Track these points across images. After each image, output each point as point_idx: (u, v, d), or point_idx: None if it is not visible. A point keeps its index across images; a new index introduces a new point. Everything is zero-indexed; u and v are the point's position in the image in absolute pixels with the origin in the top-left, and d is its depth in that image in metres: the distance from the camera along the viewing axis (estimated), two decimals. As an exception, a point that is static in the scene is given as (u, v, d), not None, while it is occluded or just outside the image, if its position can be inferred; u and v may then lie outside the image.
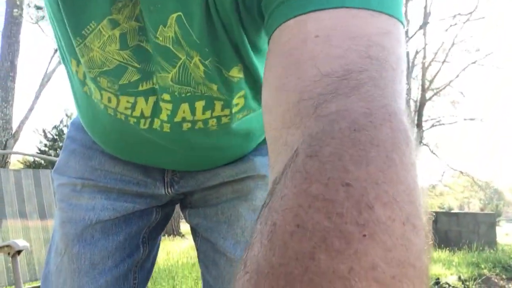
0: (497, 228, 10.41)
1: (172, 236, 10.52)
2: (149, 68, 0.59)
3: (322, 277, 0.21)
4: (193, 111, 0.62)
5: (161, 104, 0.62)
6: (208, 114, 0.63)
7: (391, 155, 0.27)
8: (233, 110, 0.64)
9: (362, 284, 0.21)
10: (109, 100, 0.63)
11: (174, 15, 0.51)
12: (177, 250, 7.12)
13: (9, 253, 1.87)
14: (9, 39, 7.90)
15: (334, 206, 0.24)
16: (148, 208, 0.82)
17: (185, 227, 15.64)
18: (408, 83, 13.77)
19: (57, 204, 0.81)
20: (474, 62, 17.90)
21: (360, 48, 0.33)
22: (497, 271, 5.76)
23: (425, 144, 19.96)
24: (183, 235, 11.64)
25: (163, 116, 0.63)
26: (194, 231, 0.87)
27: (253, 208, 0.79)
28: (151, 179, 0.80)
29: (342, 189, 0.24)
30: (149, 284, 3.44)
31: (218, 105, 0.63)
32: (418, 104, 18.66)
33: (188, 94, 0.60)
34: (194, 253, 6.28)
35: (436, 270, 5.65)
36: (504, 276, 5.44)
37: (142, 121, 0.64)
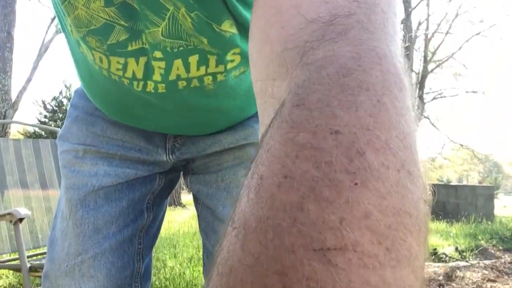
0: (495, 200, 10.51)
1: (173, 206, 10.63)
2: (137, 26, 0.57)
3: (312, 228, 0.20)
4: (187, 67, 0.61)
5: (153, 63, 0.60)
6: (202, 70, 0.62)
7: (382, 99, 0.25)
8: (228, 67, 0.63)
9: (355, 234, 0.20)
10: (101, 61, 0.62)
11: None
12: (178, 220, 7.21)
13: (11, 221, 1.88)
14: (4, 9, 7.76)
15: (322, 155, 0.22)
16: (151, 174, 0.82)
17: (185, 197, 15.78)
18: (410, 55, 13.61)
19: (61, 170, 0.82)
20: (477, 34, 17.64)
21: None
22: (494, 242, 5.84)
23: (426, 117, 19.92)
24: (184, 206, 11.77)
25: (156, 76, 0.62)
26: (196, 198, 0.87)
27: None
28: (152, 145, 0.79)
29: (330, 136, 0.23)
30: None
31: (212, 60, 0.61)
32: (420, 76, 18.51)
33: (180, 49, 0.58)
34: (194, 223, 6.37)
35: (434, 241, 5.73)
36: (500, 247, 5.52)
37: (135, 83, 0.63)
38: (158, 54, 0.59)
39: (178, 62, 0.60)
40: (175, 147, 0.80)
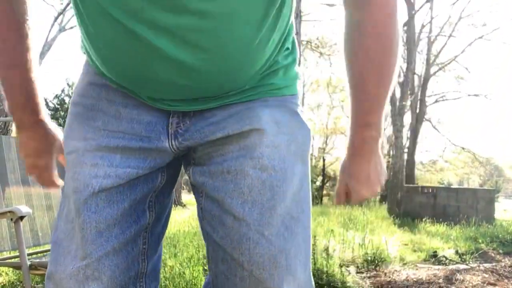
0: (496, 204, 10.49)
1: (173, 206, 10.62)
2: None
3: None
4: None
5: None
6: None
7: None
8: None
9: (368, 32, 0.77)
10: None
11: None
12: (178, 220, 7.20)
13: (11, 219, 1.89)
14: (8, 6, 7.78)
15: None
16: (152, 172, 0.82)
17: (185, 197, 15.75)
18: (413, 57, 13.59)
19: (65, 174, 0.82)
20: (480, 37, 17.62)
21: None
22: (494, 245, 5.83)
23: (427, 120, 19.88)
24: (184, 205, 11.76)
25: None
26: (198, 190, 0.84)
27: (260, 166, 0.76)
28: (155, 133, 0.79)
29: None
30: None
31: None
32: (422, 79, 18.48)
33: None
34: (194, 223, 6.37)
35: (434, 243, 5.72)
36: (501, 251, 5.51)
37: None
38: None
39: None
40: (177, 133, 0.79)
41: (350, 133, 0.86)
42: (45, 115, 0.91)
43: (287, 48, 0.83)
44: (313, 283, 0.83)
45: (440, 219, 8.37)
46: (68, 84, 23.83)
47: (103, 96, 0.81)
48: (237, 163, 0.77)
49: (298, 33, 3.08)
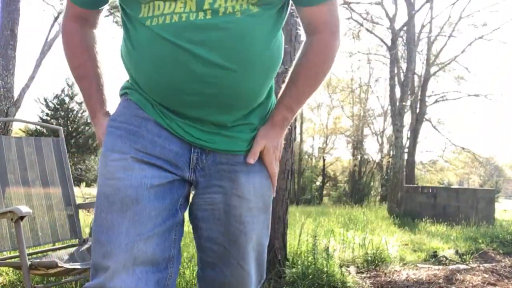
0: (496, 204, 10.48)
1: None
2: None
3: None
4: None
5: None
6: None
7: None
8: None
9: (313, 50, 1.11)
10: (169, 6, 0.95)
11: None
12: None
13: (12, 219, 1.89)
14: (8, 7, 7.74)
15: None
16: (182, 179, 1.08)
17: (186, 198, 15.66)
18: (413, 57, 13.58)
19: (111, 175, 1.02)
20: (480, 37, 17.61)
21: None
22: (494, 245, 5.83)
23: (427, 120, 19.88)
24: (184, 206, 11.77)
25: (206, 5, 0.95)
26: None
27: (239, 220, 1.11)
28: (181, 163, 1.06)
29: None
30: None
31: None
32: (422, 79, 18.48)
33: None
34: (195, 223, 6.36)
35: (434, 243, 5.72)
36: (501, 251, 5.51)
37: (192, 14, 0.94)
38: None
39: None
40: (196, 169, 1.08)
41: (275, 110, 1.14)
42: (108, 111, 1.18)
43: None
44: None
45: (440, 219, 8.37)
46: (68, 84, 23.79)
47: (143, 126, 1.05)
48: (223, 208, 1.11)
49: (297, 34, 3.08)
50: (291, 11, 1.18)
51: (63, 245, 2.51)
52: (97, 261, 1.00)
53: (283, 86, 1.14)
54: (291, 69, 1.13)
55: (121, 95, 1.13)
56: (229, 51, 0.96)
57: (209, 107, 1.01)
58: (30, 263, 1.89)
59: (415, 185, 12.75)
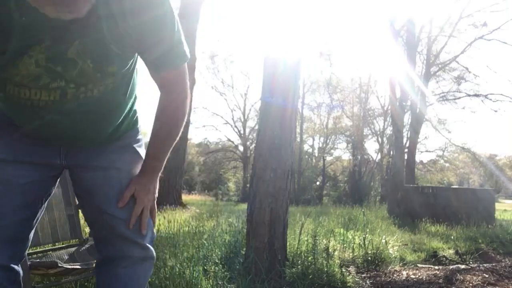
0: (496, 204, 10.48)
1: (173, 206, 10.63)
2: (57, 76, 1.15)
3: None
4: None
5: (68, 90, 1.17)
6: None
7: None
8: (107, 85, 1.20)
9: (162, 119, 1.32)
10: (24, 93, 1.14)
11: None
12: (178, 220, 7.20)
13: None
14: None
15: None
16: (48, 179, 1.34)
17: (185, 197, 15.73)
18: (413, 57, 13.59)
19: None
20: (480, 37, 17.60)
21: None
22: (494, 246, 5.83)
23: (427, 120, 19.88)
24: (184, 205, 11.76)
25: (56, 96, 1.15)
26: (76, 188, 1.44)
27: (112, 178, 1.36)
28: (49, 158, 1.31)
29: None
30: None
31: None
32: (422, 79, 18.48)
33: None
34: (195, 223, 6.36)
35: (434, 243, 5.72)
36: (501, 251, 5.51)
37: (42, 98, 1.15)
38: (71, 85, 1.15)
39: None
40: (66, 156, 1.33)
41: (145, 161, 1.38)
42: None
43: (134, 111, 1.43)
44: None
45: (440, 219, 8.37)
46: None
47: (12, 125, 1.25)
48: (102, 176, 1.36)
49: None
50: None
51: (63, 245, 2.51)
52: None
53: (150, 138, 1.36)
54: (153, 123, 1.34)
55: None
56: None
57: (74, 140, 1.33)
58: (30, 263, 1.89)
59: (415, 185, 12.75)
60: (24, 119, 1.22)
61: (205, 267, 3.07)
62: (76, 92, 1.15)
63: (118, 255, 1.35)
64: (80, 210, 2.54)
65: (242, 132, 32.77)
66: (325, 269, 3.22)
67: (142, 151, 1.45)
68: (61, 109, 1.16)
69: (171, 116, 1.31)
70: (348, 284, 3.14)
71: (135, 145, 1.43)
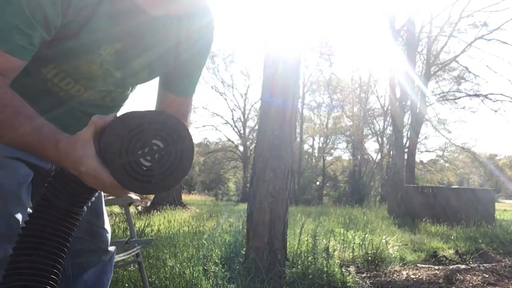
0: (496, 204, 10.48)
1: (173, 206, 10.63)
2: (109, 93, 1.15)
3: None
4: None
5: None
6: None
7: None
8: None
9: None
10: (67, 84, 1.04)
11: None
12: (178, 220, 7.20)
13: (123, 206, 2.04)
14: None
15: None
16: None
17: (186, 197, 15.72)
18: (413, 57, 13.59)
19: None
20: (480, 37, 17.60)
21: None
22: (494, 245, 5.83)
23: (427, 120, 19.89)
24: (184, 205, 11.76)
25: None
26: None
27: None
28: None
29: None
30: (151, 250, 3.47)
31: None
32: (422, 79, 18.48)
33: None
34: (195, 223, 6.36)
35: (434, 243, 5.72)
36: (501, 251, 5.51)
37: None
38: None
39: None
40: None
41: None
42: None
43: None
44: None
45: (440, 219, 8.37)
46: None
47: None
48: None
49: (298, 33, 3.08)
50: None
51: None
52: None
53: None
54: None
55: None
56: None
57: None
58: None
59: (415, 185, 12.75)
60: (47, 107, 1.01)
61: (205, 267, 3.07)
62: (118, 95, 1.13)
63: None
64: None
65: (242, 132, 32.77)
66: (325, 269, 3.23)
67: None
68: (93, 103, 1.10)
69: None
70: (348, 284, 3.14)
71: None
